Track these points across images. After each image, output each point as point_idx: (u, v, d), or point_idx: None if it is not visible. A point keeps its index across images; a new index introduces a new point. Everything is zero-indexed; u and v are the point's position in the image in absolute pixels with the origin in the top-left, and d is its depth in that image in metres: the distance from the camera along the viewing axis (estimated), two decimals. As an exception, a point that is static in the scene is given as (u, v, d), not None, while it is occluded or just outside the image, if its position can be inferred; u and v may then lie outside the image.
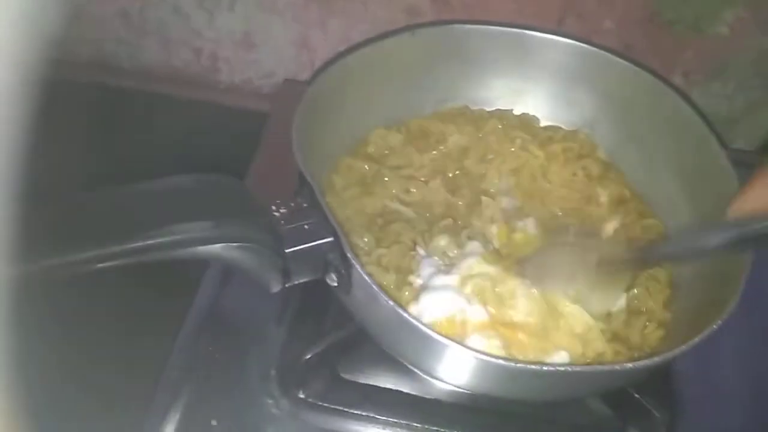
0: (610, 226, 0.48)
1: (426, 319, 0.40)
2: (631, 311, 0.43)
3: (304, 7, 0.63)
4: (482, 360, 0.34)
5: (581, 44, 0.51)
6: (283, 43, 0.67)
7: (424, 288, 0.42)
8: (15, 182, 0.21)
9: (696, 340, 0.34)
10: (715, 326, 0.35)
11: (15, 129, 0.20)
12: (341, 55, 0.48)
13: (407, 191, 0.49)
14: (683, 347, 0.34)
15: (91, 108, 0.69)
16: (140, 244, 0.30)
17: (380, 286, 0.35)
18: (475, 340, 0.39)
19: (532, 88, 0.54)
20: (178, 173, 0.35)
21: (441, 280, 0.41)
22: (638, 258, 0.43)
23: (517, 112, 0.56)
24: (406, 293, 0.42)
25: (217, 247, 0.33)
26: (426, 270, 0.43)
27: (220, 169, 0.39)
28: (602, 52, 0.51)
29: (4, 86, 0.19)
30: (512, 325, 0.39)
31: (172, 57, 0.70)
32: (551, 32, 0.52)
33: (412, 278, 0.43)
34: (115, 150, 0.66)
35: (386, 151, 0.51)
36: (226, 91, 0.72)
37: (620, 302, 0.43)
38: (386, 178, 0.49)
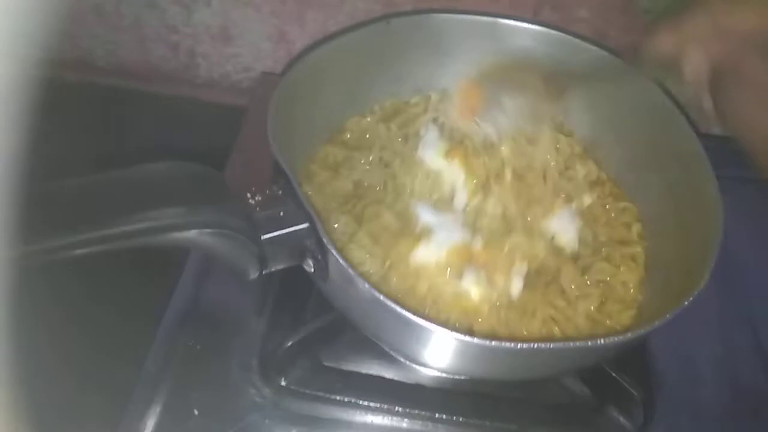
0: (587, 199, 0.49)
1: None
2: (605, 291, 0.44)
3: (281, 1, 0.63)
4: (457, 339, 0.35)
5: (554, 32, 0.52)
6: (261, 37, 0.67)
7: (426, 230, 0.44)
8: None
9: (668, 317, 0.35)
10: (686, 303, 0.36)
11: (12, 123, 0.20)
12: (316, 45, 0.48)
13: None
14: (656, 323, 0.35)
15: (69, 105, 0.69)
16: (115, 230, 0.30)
17: (355, 268, 0.35)
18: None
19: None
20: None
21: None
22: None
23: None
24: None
25: (191, 233, 0.33)
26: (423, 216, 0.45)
27: (199, 162, 0.39)
28: (573, 38, 0.52)
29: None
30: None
31: (149, 53, 0.70)
32: (525, 20, 0.53)
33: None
34: (93, 147, 0.66)
35: (361, 137, 0.52)
36: (204, 86, 0.72)
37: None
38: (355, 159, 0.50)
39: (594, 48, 0.52)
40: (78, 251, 0.30)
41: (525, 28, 0.52)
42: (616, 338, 0.34)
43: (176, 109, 0.71)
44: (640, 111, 0.51)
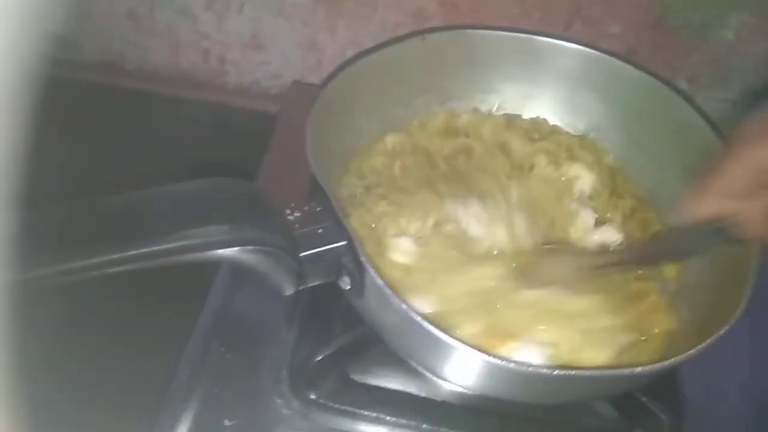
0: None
1: None
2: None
3: (312, 11, 0.63)
4: (490, 362, 0.35)
5: (587, 49, 0.52)
6: (291, 45, 0.67)
7: None
8: (15, 183, 0.21)
9: (702, 345, 0.35)
10: (721, 332, 0.36)
11: (15, 126, 0.20)
12: (352, 60, 0.48)
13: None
14: (690, 352, 0.35)
15: (99, 109, 0.70)
16: (158, 248, 0.31)
17: (392, 288, 0.35)
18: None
19: (540, 93, 0.55)
20: (186, 173, 0.35)
21: None
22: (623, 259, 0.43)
23: (525, 116, 0.56)
24: None
25: (233, 251, 0.33)
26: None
27: (228, 169, 0.39)
28: (608, 56, 0.52)
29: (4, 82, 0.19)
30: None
31: (180, 59, 0.70)
32: (558, 37, 0.53)
33: None
34: (121, 151, 0.66)
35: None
36: (234, 92, 0.72)
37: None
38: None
39: (626, 65, 0.52)
40: (123, 267, 0.31)
41: (558, 45, 0.53)
42: (650, 368, 0.34)
43: (205, 114, 0.71)
44: (673, 130, 0.51)
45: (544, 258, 0.44)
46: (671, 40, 0.61)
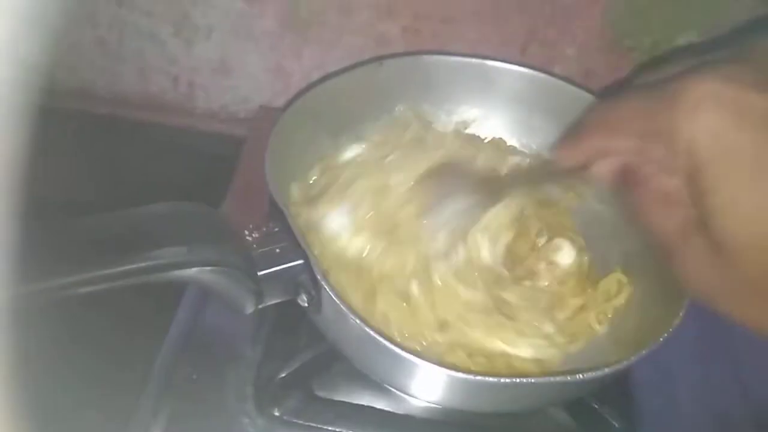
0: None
1: None
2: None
3: (279, 36, 0.65)
4: (447, 375, 0.36)
5: (540, 73, 0.54)
6: (259, 70, 0.69)
7: None
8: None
9: (644, 352, 0.37)
10: (663, 337, 0.38)
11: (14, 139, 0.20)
12: (313, 85, 0.50)
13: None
14: (632, 358, 0.37)
15: (69, 133, 0.70)
16: (120, 269, 0.32)
17: (346, 303, 0.37)
18: None
19: (496, 114, 0.57)
20: (157, 196, 0.36)
21: None
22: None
23: (483, 136, 0.58)
24: None
25: (192, 271, 0.35)
26: None
27: (199, 191, 0.40)
28: (560, 81, 0.54)
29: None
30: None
31: (149, 84, 0.72)
32: (512, 62, 0.55)
33: None
34: (93, 175, 0.67)
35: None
36: (203, 116, 0.74)
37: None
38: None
39: (576, 89, 0.54)
40: (83, 289, 0.32)
41: (511, 69, 0.55)
42: (594, 373, 0.36)
43: (175, 138, 0.73)
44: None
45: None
46: (624, 61, 0.63)
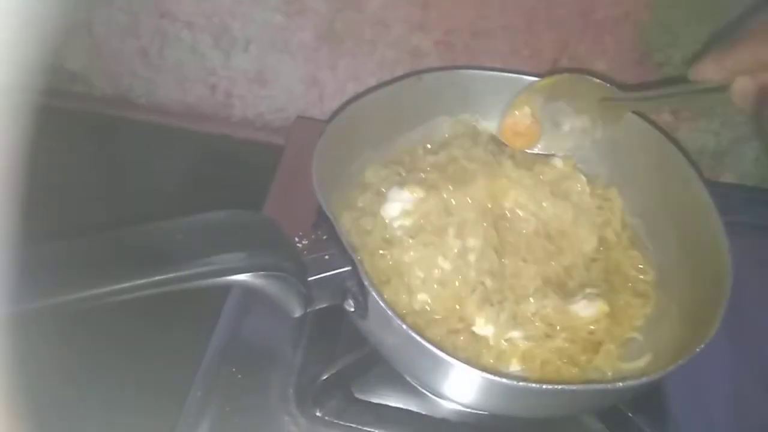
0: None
1: None
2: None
3: (315, 49, 0.67)
4: (486, 378, 0.38)
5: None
6: (294, 81, 0.71)
7: None
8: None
9: (679, 362, 0.38)
10: (698, 350, 0.39)
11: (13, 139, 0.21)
12: (355, 98, 0.51)
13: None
14: (668, 369, 0.38)
15: (109, 140, 0.73)
16: (184, 273, 0.34)
17: (393, 309, 0.38)
18: None
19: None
20: (192, 201, 0.38)
21: None
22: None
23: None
24: None
25: (248, 276, 0.36)
26: None
27: (235, 198, 0.42)
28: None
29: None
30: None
31: (188, 93, 0.74)
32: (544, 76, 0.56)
33: None
34: (130, 179, 0.69)
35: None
36: (239, 124, 0.76)
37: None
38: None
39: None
40: (149, 291, 0.34)
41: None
42: (632, 382, 0.37)
43: (211, 145, 0.75)
44: (653, 163, 0.54)
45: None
46: (654, 75, 0.64)
